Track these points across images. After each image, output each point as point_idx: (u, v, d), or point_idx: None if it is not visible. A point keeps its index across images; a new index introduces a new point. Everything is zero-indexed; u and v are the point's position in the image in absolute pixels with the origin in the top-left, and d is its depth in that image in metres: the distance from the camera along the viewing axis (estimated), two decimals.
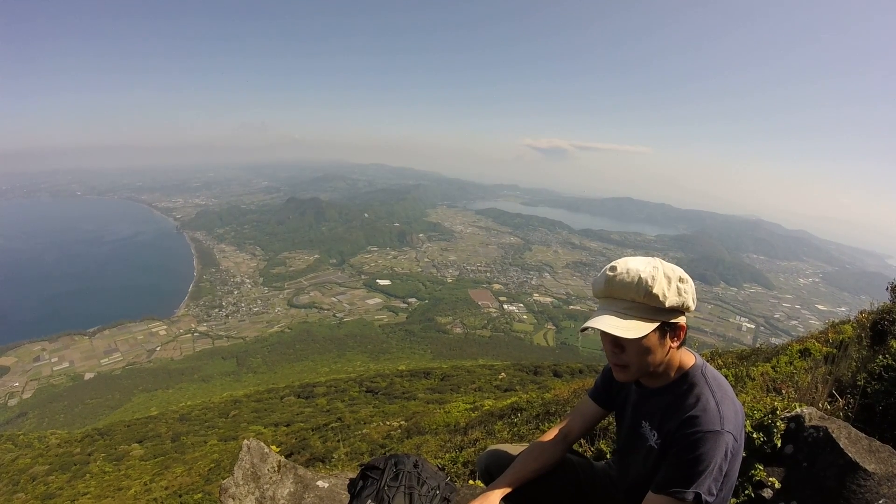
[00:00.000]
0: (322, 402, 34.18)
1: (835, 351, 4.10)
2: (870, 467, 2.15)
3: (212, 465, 21.29)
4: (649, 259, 1.63)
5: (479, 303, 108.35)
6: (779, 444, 2.71)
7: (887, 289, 4.76)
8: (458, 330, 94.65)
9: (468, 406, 18.48)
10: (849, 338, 4.33)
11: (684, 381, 1.68)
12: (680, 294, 1.58)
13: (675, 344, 1.65)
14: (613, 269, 1.61)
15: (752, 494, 2.61)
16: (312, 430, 22.77)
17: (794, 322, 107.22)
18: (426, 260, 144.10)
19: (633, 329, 1.55)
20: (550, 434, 2.05)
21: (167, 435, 32.11)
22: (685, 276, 1.62)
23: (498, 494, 1.86)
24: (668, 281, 1.57)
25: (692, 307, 1.62)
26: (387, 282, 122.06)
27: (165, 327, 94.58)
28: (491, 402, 17.95)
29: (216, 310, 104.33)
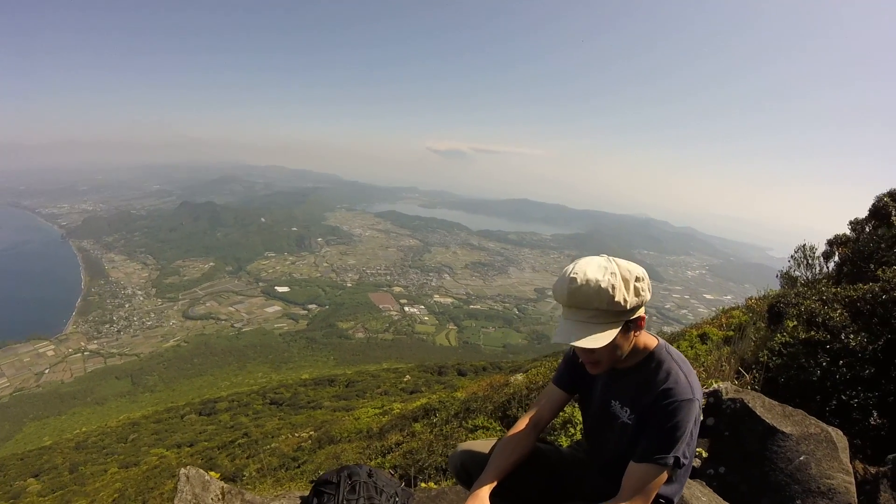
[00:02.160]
0: (225, 417, 33.13)
1: (733, 333, 4.61)
2: (787, 430, 2.47)
3: (115, 496, 19.55)
4: (604, 263, 1.69)
5: (381, 306, 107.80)
6: (701, 418, 3.00)
7: (777, 276, 5.53)
8: (361, 335, 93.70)
9: (377, 411, 18.41)
10: (746, 321, 4.89)
11: (652, 360, 1.85)
12: (639, 294, 1.68)
13: (639, 333, 1.81)
14: (573, 280, 1.65)
15: None
16: (218, 449, 21.70)
17: (683, 311, 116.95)
18: (325, 265, 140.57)
19: (601, 338, 1.66)
20: (521, 424, 2.11)
21: (64, 466, 29.96)
22: (640, 272, 1.71)
23: (486, 491, 1.88)
24: (627, 284, 1.66)
25: (649, 298, 1.75)
26: (286, 288, 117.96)
27: (53, 347, 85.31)
28: (399, 405, 18.03)
29: (107, 325, 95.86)
